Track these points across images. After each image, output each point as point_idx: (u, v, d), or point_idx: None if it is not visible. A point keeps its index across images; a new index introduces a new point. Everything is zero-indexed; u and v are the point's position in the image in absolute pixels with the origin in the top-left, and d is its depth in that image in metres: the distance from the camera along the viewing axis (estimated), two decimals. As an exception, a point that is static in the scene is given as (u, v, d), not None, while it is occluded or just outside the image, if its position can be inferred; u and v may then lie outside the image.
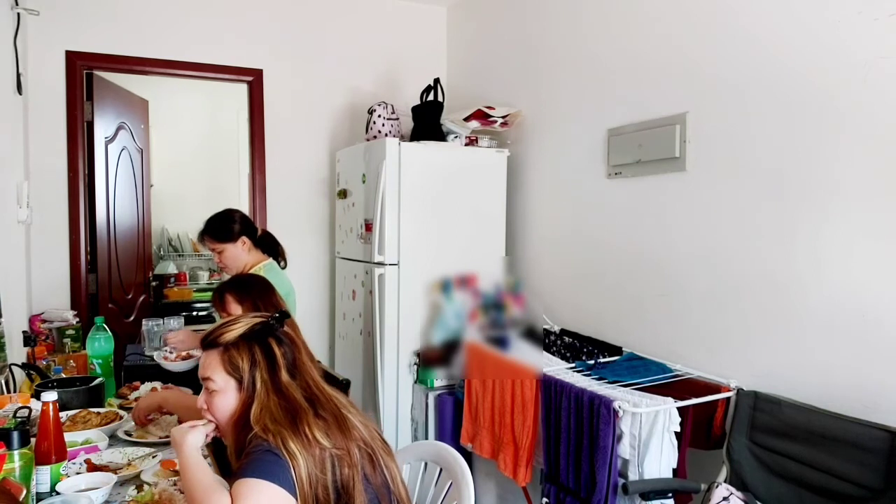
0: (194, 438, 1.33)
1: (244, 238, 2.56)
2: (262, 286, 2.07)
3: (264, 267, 2.55)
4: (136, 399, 2.19)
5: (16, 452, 1.35)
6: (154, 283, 4.34)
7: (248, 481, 1.16)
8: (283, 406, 1.27)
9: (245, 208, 3.59)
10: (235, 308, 1.97)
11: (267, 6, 3.60)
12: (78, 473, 1.51)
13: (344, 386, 2.13)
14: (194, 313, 4.56)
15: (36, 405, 1.65)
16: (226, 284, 2.06)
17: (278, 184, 3.69)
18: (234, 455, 1.31)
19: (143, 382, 2.32)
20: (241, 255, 2.55)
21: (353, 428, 1.31)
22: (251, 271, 2.52)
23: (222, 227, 2.53)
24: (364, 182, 3.20)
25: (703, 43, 2.20)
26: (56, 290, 3.23)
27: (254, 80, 3.60)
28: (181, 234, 5.47)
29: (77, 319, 2.90)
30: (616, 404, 1.87)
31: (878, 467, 1.57)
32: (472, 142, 3.23)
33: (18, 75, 2.85)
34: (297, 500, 1.17)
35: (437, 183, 3.07)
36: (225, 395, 1.31)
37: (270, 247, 2.67)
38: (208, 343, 1.35)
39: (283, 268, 2.67)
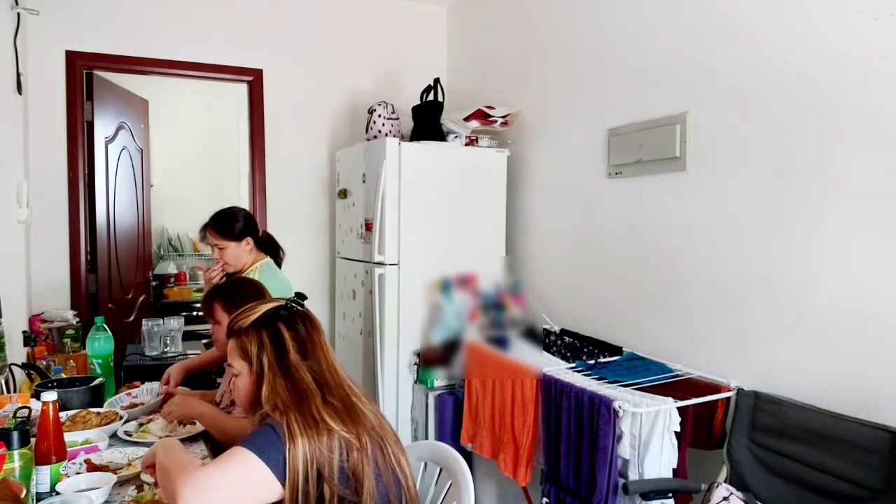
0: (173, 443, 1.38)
1: (248, 238, 2.54)
2: (254, 293, 2.00)
3: (261, 266, 2.54)
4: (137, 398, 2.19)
5: (16, 452, 1.35)
6: (154, 283, 4.34)
7: (237, 449, 1.20)
8: (289, 388, 1.30)
9: (245, 208, 3.59)
10: (223, 316, 1.93)
11: (267, 6, 3.61)
12: (78, 473, 1.51)
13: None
14: (194, 313, 4.56)
15: (36, 405, 1.65)
16: (216, 291, 2.02)
17: (278, 184, 3.70)
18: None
19: (142, 382, 2.32)
20: (243, 255, 2.54)
21: (363, 415, 1.32)
22: (249, 270, 2.52)
23: (228, 224, 2.51)
24: (364, 182, 3.20)
25: (704, 43, 2.20)
26: (56, 290, 3.23)
27: (254, 80, 3.61)
28: (181, 233, 5.47)
29: (77, 319, 2.90)
30: (616, 404, 1.87)
31: (878, 467, 1.57)
32: (472, 142, 3.23)
33: (18, 75, 2.85)
34: (284, 480, 1.17)
35: (437, 183, 3.07)
36: (242, 378, 1.38)
37: (271, 248, 2.66)
38: (229, 332, 1.43)
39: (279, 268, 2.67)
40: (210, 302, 1.99)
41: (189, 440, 1.82)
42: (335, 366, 1.39)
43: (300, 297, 1.45)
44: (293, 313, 1.41)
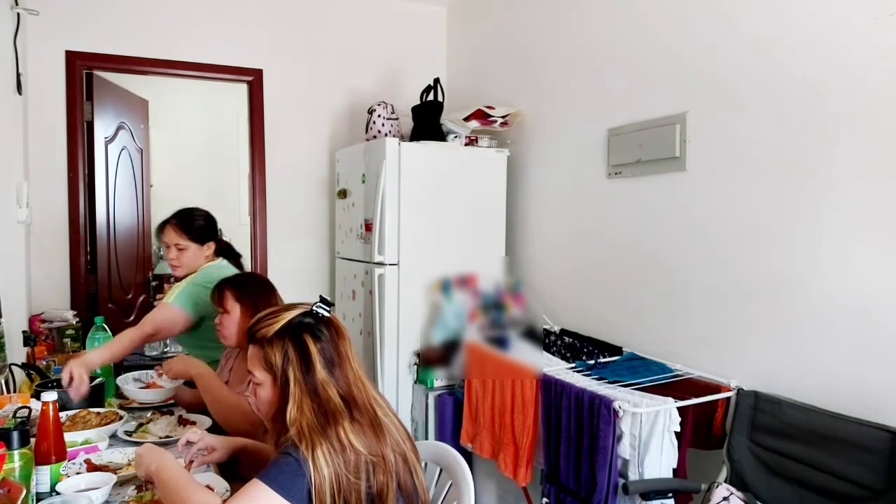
0: (170, 458, 1.35)
1: (211, 243, 2.42)
2: (264, 286, 2.06)
3: (211, 266, 2.39)
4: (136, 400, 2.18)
5: (16, 452, 1.35)
6: (154, 283, 4.34)
7: (257, 484, 1.17)
8: (315, 409, 1.26)
9: (245, 208, 3.59)
10: (233, 305, 1.97)
11: (267, 6, 3.61)
12: (78, 473, 1.50)
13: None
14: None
15: (36, 405, 1.65)
16: (227, 280, 2.05)
17: (278, 184, 3.70)
18: (274, 449, 1.32)
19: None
20: (200, 259, 2.40)
21: (388, 432, 1.30)
22: (202, 268, 2.39)
23: (195, 223, 2.39)
24: (364, 182, 3.20)
25: (703, 43, 2.20)
26: (56, 290, 3.23)
27: (254, 80, 3.61)
28: (181, 234, 5.46)
29: (77, 319, 2.90)
30: (616, 404, 1.87)
31: (878, 467, 1.57)
32: (472, 142, 3.23)
33: (18, 75, 2.85)
34: None
35: (437, 183, 3.07)
36: (264, 389, 1.33)
37: (231, 256, 2.53)
38: (251, 337, 1.36)
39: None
40: (221, 290, 2.00)
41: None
42: (362, 378, 1.35)
43: (326, 302, 1.38)
44: (319, 320, 1.35)
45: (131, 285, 3.85)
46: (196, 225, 2.38)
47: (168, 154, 5.22)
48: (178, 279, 2.43)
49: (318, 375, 1.29)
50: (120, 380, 2.17)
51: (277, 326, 1.32)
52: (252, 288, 2.02)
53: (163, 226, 2.40)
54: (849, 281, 1.76)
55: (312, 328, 1.33)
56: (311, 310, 1.36)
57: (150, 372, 2.23)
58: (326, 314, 1.37)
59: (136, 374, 2.23)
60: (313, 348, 1.30)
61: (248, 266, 2.63)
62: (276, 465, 1.20)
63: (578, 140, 2.84)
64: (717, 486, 1.79)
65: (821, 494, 1.68)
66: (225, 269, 2.43)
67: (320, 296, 1.42)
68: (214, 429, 1.84)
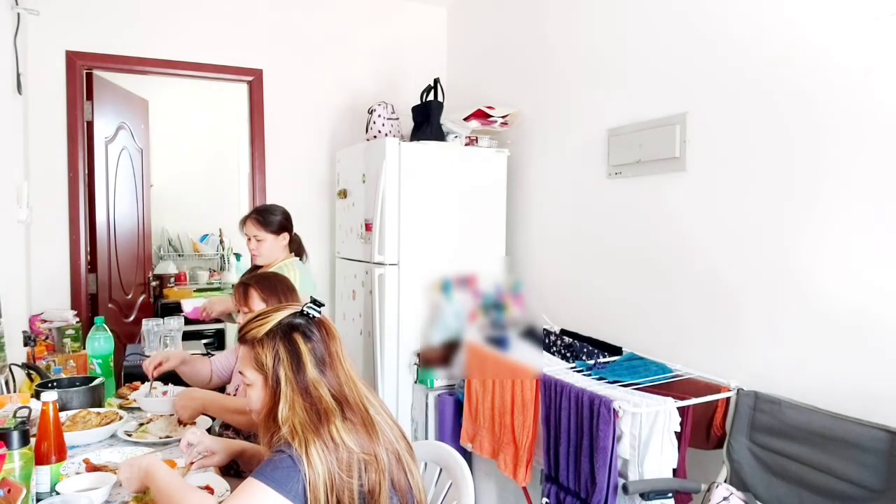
0: (157, 464, 1.37)
1: (286, 234, 2.67)
2: (287, 286, 2.08)
3: (287, 263, 2.62)
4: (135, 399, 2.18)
5: (16, 452, 1.35)
6: (154, 283, 4.34)
7: (253, 482, 1.18)
8: (307, 407, 1.26)
9: (245, 208, 3.59)
10: (259, 304, 1.98)
11: (267, 6, 3.61)
12: (78, 473, 1.51)
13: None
14: (194, 313, 4.55)
15: (36, 405, 1.65)
16: (252, 279, 2.07)
17: (278, 184, 3.70)
18: (267, 448, 1.33)
19: (143, 382, 2.32)
20: (276, 249, 2.65)
21: (381, 431, 1.30)
22: (279, 265, 2.60)
23: (270, 217, 2.66)
24: (364, 182, 3.20)
25: (703, 43, 2.20)
26: (56, 290, 3.23)
27: (254, 80, 3.61)
28: (181, 234, 5.47)
29: (77, 319, 2.90)
30: (616, 404, 1.87)
31: (878, 468, 1.57)
32: (472, 142, 3.23)
33: (18, 75, 2.84)
34: None
35: (437, 183, 3.07)
36: (255, 389, 1.33)
37: (298, 249, 2.79)
38: (241, 338, 1.37)
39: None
40: (246, 289, 2.01)
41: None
42: (353, 378, 1.35)
43: (316, 303, 1.38)
44: (309, 321, 1.35)
45: (131, 285, 3.85)
46: (271, 219, 2.66)
47: (168, 154, 5.22)
48: (257, 268, 2.67)
49: (308, 375, 1.29)
50: (140, 401, 2.07)
51: (268, 327, 1.33)
52: (277, 287, 2.03)
53: (245, 219, 2.71)
54: (848, 281, 1.76)
55: (303, 328, 1.33)
56: (302, 310, 1.37)
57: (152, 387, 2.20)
58: (317, 315, 1.37)
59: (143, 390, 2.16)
60: (304, 348, 1.31)
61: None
62: (271, 463, 1.20)
63: (578, 140, 2.84)
64: (717, 486, 1.79)
65: (820, 494, 1.68)
66: (305, 267, 2.71)
67: (311, 297, 1.43)
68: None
